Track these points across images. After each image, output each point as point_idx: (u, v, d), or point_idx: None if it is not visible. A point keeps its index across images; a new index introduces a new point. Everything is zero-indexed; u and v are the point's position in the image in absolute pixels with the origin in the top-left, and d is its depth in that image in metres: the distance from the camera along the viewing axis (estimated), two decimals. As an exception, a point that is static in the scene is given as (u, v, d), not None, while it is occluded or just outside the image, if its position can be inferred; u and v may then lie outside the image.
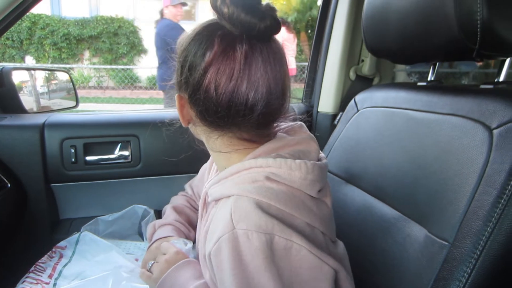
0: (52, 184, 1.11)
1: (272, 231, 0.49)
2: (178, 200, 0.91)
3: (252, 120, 0.54)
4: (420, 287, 0.61)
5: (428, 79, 0.88)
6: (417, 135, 0.73)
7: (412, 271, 0.63)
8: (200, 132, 0.61)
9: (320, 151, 0.64)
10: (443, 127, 0.68)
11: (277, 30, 0.54)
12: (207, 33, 0.54)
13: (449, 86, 0.79)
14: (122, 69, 8.53)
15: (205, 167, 0.87)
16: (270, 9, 0.53)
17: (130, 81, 8.36)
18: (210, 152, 0.64)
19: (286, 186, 0.54)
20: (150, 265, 0.71)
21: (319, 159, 0.61)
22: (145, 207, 1.02)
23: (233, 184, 0.55)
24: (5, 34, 0.97)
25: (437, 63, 0.87)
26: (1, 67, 1.24)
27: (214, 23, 0.55)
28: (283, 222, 0.50)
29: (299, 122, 0.66)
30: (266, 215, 0.50)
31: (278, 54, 0.55)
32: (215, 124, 0.56)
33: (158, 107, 6.61)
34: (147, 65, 8.92)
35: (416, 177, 0.70)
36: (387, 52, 0.88)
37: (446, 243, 0.59)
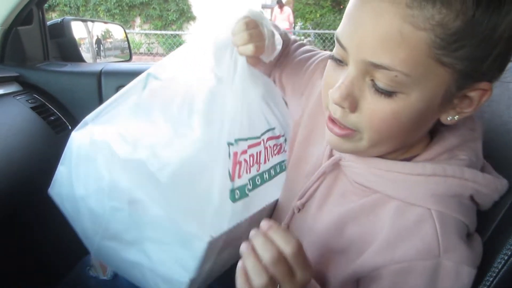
0: None
1: (475, 264, 0.42)
2: None
3: None
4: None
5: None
6: None
7: None
8: None
9: None
10: None
11: None
12: None
13: None
14: (172, 35, 8.64)
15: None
16: None
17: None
18: None
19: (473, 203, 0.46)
20: None
21: None
22: None
23: (428, 192, 0.44)
24: (63, 0, 0.97)
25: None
26: (62, 18, 1.28)
27: None
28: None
29: None
30: (472, 244, 0.43)
31: None
32: None
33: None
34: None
35: None
36: None
37: None
